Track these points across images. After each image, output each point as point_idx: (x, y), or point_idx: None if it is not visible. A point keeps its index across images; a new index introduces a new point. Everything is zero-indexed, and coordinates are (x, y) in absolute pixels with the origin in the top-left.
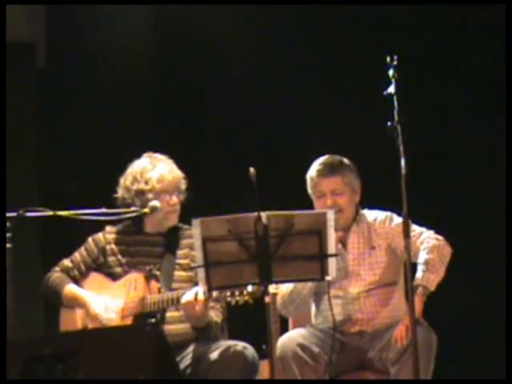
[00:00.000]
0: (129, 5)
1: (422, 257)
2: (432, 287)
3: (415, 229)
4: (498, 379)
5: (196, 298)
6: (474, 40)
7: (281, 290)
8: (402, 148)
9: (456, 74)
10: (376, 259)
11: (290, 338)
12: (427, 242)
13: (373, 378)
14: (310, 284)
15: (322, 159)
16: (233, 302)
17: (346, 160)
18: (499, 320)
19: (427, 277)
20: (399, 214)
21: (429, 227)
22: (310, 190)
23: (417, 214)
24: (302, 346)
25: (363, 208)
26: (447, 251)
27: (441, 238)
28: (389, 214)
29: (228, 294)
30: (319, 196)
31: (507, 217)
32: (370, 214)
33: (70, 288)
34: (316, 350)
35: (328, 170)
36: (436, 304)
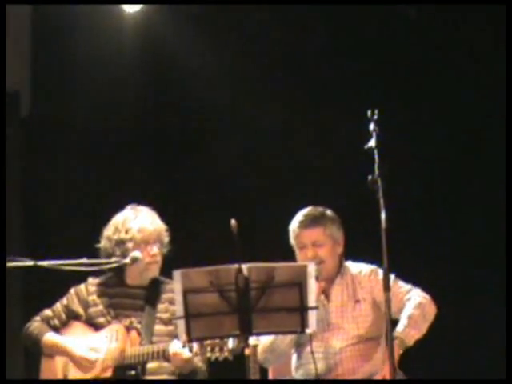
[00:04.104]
0: (116, 50)
1: (406, 311)
2: (410, 342)
3: (403, 286)
4: (498, 379)
5: (178, 356)
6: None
7: (262, 340)
8: (382, 201)
9: (442, 119)
10: (360, 313)
11: None
12: (414, 298)
13: None
14: (291, 336)
15: (304, 211)
16: (213, 358)
17: (328, 211)
18: (499, 320)
19: (407, 331)
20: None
21: (409, 280)
22: (292, 242)
23: (399, 268)
24: None
25: (347, 259)
26: (432, 310)
27: (427, 296)
28: (374, 267)
29: (208, 349)
30: (301, 247)
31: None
32: (355, 267)
33: (50, 336)
34: None
35: (309, 222)
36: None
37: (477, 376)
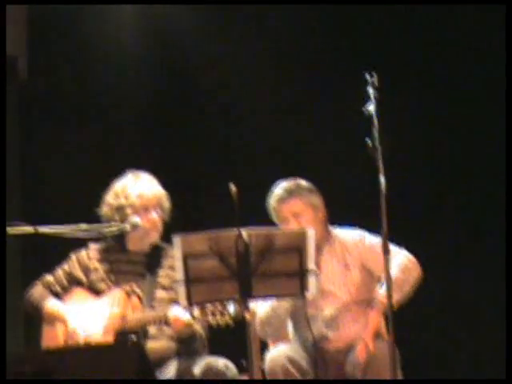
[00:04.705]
0: (116, 8)
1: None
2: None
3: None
4: (498, 379)
5: (178, 320)
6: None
7: (258, 313)
8: (381, 166)
9: (441, 88)
10: (351, 278)
11: (280, 352)
12: (398, 261)
13: None
14: (286, 305)
15: (277, 186)
16: (214, 323)
17: (301, 181)
18: (499, 320)
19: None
20: (377, 232)
21: (405, 245)
22: (274, 219)
23: (397, 233)
24: (291, 360)
25: (333, 225)
26: (416, 273)
27: (412, 258)
28: (361, 232)
29: (209, 314)
30: (283, 222)
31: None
32: (342, 233)
33: (51, 304)
34: (304, 365)
35: (285, 195)
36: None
37: (477, 376)
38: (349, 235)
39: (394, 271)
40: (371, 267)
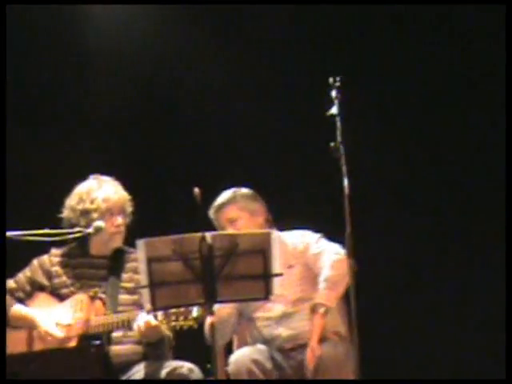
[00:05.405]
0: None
1: (322, 274)
2: (332, 304)
3: (322, 245)
4: (498, 379)
5: (149, 325)
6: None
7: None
8: (344, 168)
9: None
10: (295, 277)
11: (244, 354)
12: (328, 258)
13: None
14: (228, 310)
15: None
16: (177, 327)
17: (240, 189)
18: (499, 320)
19: (327, 294)
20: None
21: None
22: (217, 228)
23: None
24: (255, 362)
25: (281, 230)
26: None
27: (342, 252)
28: (301, 232)
29: (173, 318)
30: (222, 229)
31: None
32: (285, 235)
33: (17, 308)
34: (269, 366)
35: (221, 204)
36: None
37: (477, 376)
38: (290, 236)
39: (326, 270)
40: (309, 264)
